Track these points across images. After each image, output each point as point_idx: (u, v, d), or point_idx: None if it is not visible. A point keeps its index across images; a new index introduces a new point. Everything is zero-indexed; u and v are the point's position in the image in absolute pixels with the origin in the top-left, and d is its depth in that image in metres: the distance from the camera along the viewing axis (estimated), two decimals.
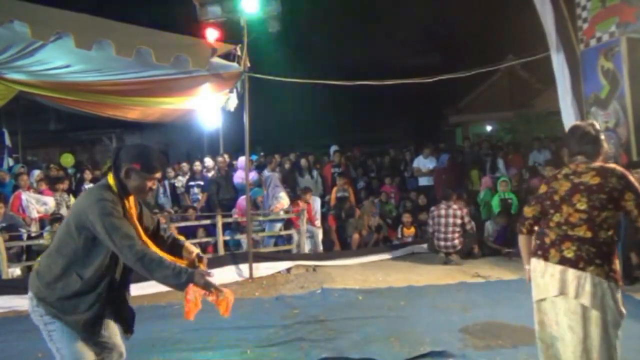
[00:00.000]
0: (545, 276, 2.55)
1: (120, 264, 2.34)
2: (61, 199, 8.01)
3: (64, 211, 7.86)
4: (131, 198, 2.36)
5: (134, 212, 2.35)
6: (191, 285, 2.23)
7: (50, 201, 7.64)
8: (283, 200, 7.74)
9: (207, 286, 2.23)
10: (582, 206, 2.46)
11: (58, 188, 8.07)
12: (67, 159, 11.31)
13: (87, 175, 9.12)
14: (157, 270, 2.15)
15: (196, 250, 2.52)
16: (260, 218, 7.90)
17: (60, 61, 5.98)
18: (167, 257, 2.26)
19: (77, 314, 2.26)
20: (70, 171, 10.23)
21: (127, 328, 2.52)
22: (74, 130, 15.69)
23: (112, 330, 2.46)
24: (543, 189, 2.71)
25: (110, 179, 2.30)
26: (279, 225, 7.81)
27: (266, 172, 8.56)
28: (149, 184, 2.32)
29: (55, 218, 7.16)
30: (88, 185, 8.86)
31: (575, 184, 2.52)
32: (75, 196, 8.44)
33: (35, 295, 2.29)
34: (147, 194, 2.39)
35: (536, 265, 2.61)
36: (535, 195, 2.77)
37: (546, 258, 2.55)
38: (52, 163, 10.81)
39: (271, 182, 8.00)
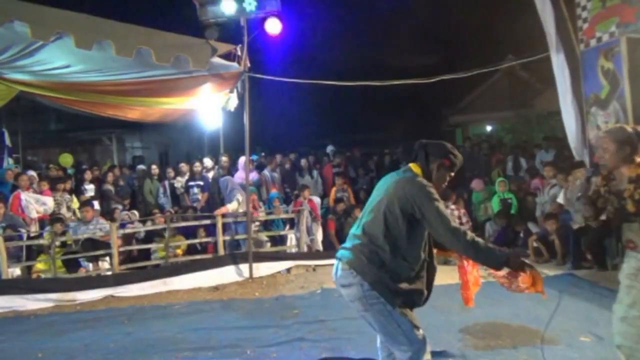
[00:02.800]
0: None
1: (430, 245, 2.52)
2: (61, 199, 8.00)
3: (64, 211, 7.87)
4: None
5: None
6: (469, 262, 2.61)
7: (49, 201, 7.64)
8: (232, 205, 7.64)
9: (522, 266, 2.38)
10: None
11: (58, 188, 8.07)
12: (66, 159, 11.29)
13: (87, 175, 9.11)
14: (481, 251, 2.32)
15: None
16: (261, 218, 7.90)
17: (61, 61, 5.98)
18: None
19: (405, 290, 2.40)
20: (70, 171, 10.23)
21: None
22: (74, 130, 15.66)
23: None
24: None
25: (417, 169, 2.51)
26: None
27: (221, 182, 8.34)
28: (447, 179, 2.59)
29: (55, 218, 7.17)
30: (88, 186, 8.88)
31: None
32: (76, 196, 8.44)
33: (369, 281, 2.38)
34: (440, 188, 2.57)
35: None
36: None
37: None
38: (52, 163, 10.80)
39: (227, 184, 7.90)
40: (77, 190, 8.75)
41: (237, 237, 7.52)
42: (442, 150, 2.57)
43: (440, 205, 2.35)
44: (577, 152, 7.43)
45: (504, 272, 2.47)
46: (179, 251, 7.49)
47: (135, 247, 7.38)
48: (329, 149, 10.69)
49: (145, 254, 7.45)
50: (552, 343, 3.83)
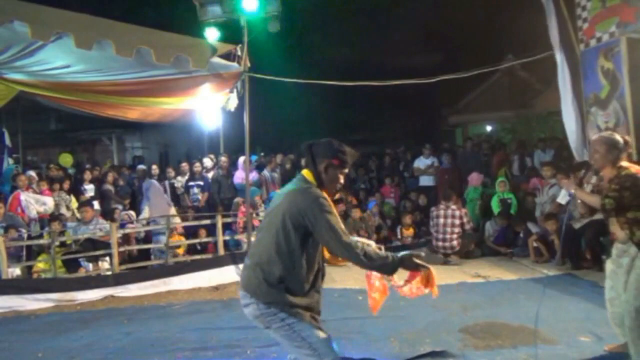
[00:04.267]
0: None
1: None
2: (60, 199, 8.01)
3: (64, 211, 7.87)
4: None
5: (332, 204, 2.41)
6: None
7: (49, 201, 7.64)
8: (146, 213, 7.64)
9: (417, 267, 2.41)
10: None
11: (58, 188, 8.07)
12: (66, 159, 11.30)
13: (87, 175, 9.11)
14: (374, 261, 2.30)
15: (373, 243, 2.64)
16: (261, 217, 7.90)
17: (61, 61, 5.98)
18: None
19: (304, 305, 2.34)
20: (70, 171, 10.23)
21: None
22: (74, 130, 15.67)
23: None
24: None
25: (309, 176, 2.40)
26: None
27: (144, 184, 8.33)
28: (341, 178, 2.47)
29: (54, 218, 7.17)
30: (88, 186, 8.88)
31: None
32: (76, 196, 8.44)
33: (263, 300, 2.33)
34: (336, 188, 2.51)
35: None
36: None
37: None
38: (52, 163, 10.80)
39: (150, 187, 7.84)
40: (77, 190, 8.75)
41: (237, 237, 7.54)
42: (328, 149, 2.43)
43: (333, 218, 2.26)
44: (578, 152, 7.43)
45: (402, 281, 2.53)
46: (179, 251, 7.49)
47: (135, 247, 7.39)
48: None
49: (145, 254, 7.46)
50: (551, 343, 3.83)
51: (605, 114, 6.93)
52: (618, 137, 3.16)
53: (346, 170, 2.49)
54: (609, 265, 3.31)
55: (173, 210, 7.98)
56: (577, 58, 7.28)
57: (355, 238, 2.46)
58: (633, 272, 3.04)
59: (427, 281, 2.46)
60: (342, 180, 2.48)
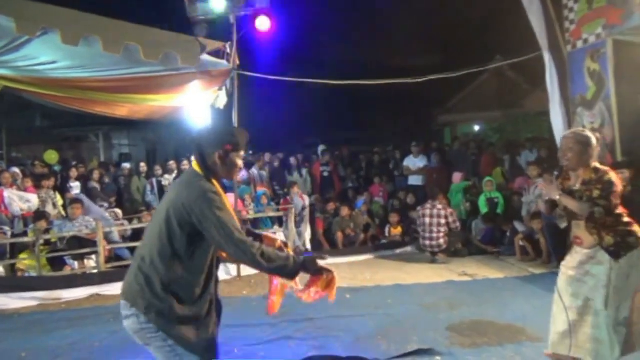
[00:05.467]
0: None
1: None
2: (46, 196, 7.91)
3: (49, 209, 7.77)
4: (217, 183, 2.21)
5: (226, 199, 2.18)
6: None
7: (33, 199, 7.54)
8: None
9: (319, 271, 2.21)
10: None
11: (43, 185, 7.97)
12: (51, 156, 11.15)
13: (73, 172, 9.01)
14: (272, 262, 2.07)
15: (278, 239, 2.50)
16: (250, 216, 7.88)
17: (47, 57, 5.90)
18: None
19: (191, 315, 2.10)
20: (55, 168, 10.10)
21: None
22: (60, 127, 15.46)
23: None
24: None
25: (197, 167, 2.17)
26: None
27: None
28: (240, 162, 2.26)
29: (39, 215, 7.08)
30: (74, 183, 8.78)
31: None
32: (61, 194, 8.34)
33: (145, 312, 2.05)
34: (238, 173, 2.32)
35: None
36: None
37: None
38: (38, 160, 10.66)
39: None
40: (63, 188, 8.65)
41: None
42: (217, 137, 2.20)
43: (224, 214, 2.02)
44: None
45: (300, 286, 2.33)
46: None
47: (122, 245, 7.32)
48: (321, 148, 10.69)
49: (133, 253, 7.39)
50: (537, 341, 3.87)
51: (591, 114, 7.02)
52: (591, 135, 2.96)
53: (242, 153, 2.26)
54: (568, 271, 3.01)
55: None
56: (564, 59, 7.37)
57: (259, 232, 2.29)
58: (611, 287, 2.80)
59: (327, 285, 2.29)
60: (241, 164, 2.26)
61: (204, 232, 2.03)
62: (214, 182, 2.17)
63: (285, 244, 2.48)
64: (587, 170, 2.90)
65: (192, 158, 2.24)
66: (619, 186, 2.85)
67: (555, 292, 3.09)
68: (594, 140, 2.91)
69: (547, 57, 7.46)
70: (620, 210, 2.87)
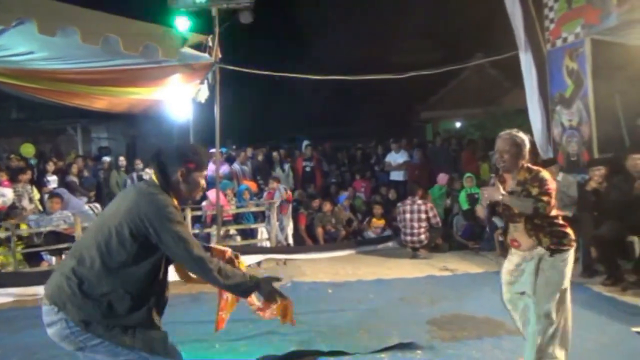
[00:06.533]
0: None
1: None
2: (23, 190, 7.74)
3: (25, 203, 7.61)
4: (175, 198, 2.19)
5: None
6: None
7: (8, 193, 7.38)
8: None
9: (272, 295, 2.16)
10: None
11: (19, 179, 7.79)
12: (28, 149, 10.88)
13: (50, 166, 8.83)
14: (228, 279, 2.08)
15: (229, 250, 2.46)
16: (232, 211, 7.84)
17: (23, 47, 5.75)
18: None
19: (131, 324, 2.04)
20: (32, 162, 9.88)
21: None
22: (36, 120, 15.10)
23: None
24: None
25: (156, 180, 2.13)
26: None
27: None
28: (202, 181, 2.23)
29: (10, 210, 6.92)
30: (51, 177, 8.60)
31: None
32: (38, 188, 8.17)
33: (74, 318, 1.98)
34: (200, 192, 2.30)
35: None
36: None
37: None
38: (13, 153, 10.42)
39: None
40: (40, 182, 8.47)
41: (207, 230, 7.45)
42: (180, 154, 2.17)
43: (182, 228, 2.00)
44: (542, 149, 7.65)
45: (258, 302, 2.32)
46: None
47: None
48: (305, 143, 10.67)
49: None
50: (515, 334, 3.93)
51: (570, 112, 7.15)
52: (525, 136, 3.00)
53: (205, 173, 2.26)
54: (504, 276, 3.15)
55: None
56: (544, 57, 7.48)
57: (208, 245, 2.28)
58: (541, 274, 2.88)
59: (285, 313, 2.27)
60: (203, 184, 2.25)
61: (160, 245, 1.99)
62: (172, 196, 2.14)
63: (237, 256, 2.45)
64: (521, 170, 2.94)
65: (151, 170, 2.18)
66: (553, 183, 2.89)
67: (505, 294, 3.20)
68: (527, 142, 2.97)
69: (524, 56, 7.56)
70: (555, 211, 2.90)
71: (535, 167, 2.95)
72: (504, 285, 3.15)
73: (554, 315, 2.84)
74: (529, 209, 2.81)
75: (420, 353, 3.69)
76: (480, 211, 3.28)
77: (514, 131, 3.03)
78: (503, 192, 2.91)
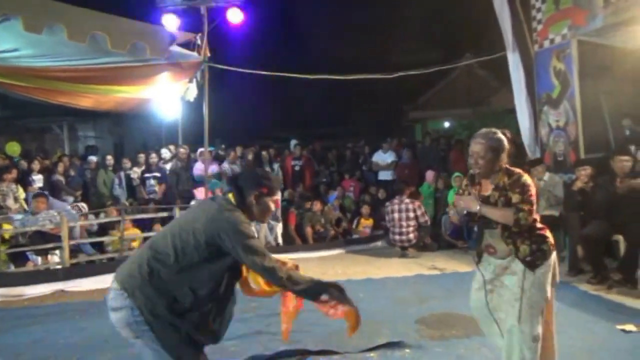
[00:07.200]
0: None
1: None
2: (8, 189, 7.61)
3: (10, 203, 7.50)
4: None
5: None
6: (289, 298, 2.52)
7: None
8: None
9: (340, 300, 2.32)
10: None
11: (5, 178, 7.67)
12: (13, 148, 10.72)
13: (36, 165, 8.70)
14: (299, 285, 2.27)
15: (290, 261, 2.60)
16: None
17: (8, 44, 5.69)
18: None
19: (183, 325, 2.17)
20: (16, 160, 9.73)
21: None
22: (22, 118, 14.87)
23: None
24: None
25: (233, 199, 2.35)
26: None
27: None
28: (272, 205, 2.46)
29: None
30: (36, 176, 8.48)
31: None
32: (23, 187, 8.05)
33: (140, 307, 2.12)
34: (270, 215, 2.53)
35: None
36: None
37: None
38: None
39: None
40: (25, 181, 8.34)
41: None
42: (254, 180, 2.41)
43: (255, 242, 2.21)
44: (530, 149, 7.72)
45: (326, 303, 2.38)
46: (134, 244, 7.30)
47: (87, 240, 7.14)
48: (293, 143, 10.65)
49: (99, 248, 7.22)
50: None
51: (557, 113, 7.22)
52: (502, 136, 2.67)
53: (276, 197, 2.49)
54: (483, 287, 2.76)
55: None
56: (532, 58, 7.55)
57: (276, 257, 2.40)
58: (524, 298, 2.56)
59: (351, 320, 2.36)
60: (273, 208, 2.47)
61: (236, 256, 2.20)
62: (246, 214, 2.36)
63: (297, 266, 2.59)
64: (499, 173, 2.65)
65: (228, 191, 2.44)
66: (534, 188, 2.62)
67: (475, 311, 2.89)
68: (505, 143, 2.65)
69: (513, 57, 7.62)
70: (534, 215, 2.60)
71: (515, 170, 2.65)
72: (477, 293, 2.85)
73: (540, 332, 2.59)
74: (509, 219, 2.54)
75: (409, 352, 3.70)
76: (455, 219, 2.71)
77: (491, 132, 2.68)
78: (479, 203, 2.63)
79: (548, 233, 2.66)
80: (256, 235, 2.31)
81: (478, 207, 2.62)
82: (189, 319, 2.16)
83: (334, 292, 2.32)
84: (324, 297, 2.32)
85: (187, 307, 2.15)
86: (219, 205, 2.29)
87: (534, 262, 2.57)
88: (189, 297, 2.15)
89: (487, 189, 2.70)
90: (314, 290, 2.31)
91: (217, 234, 2.18)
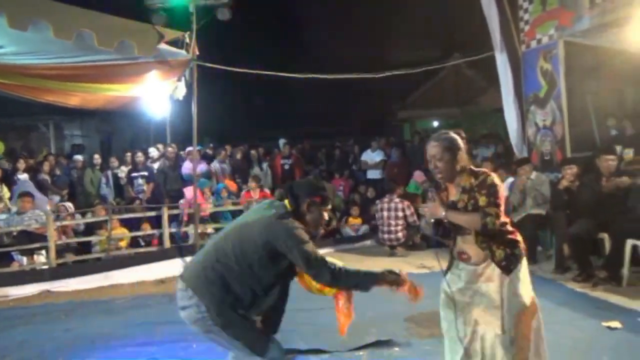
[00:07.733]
0: None
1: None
2: None
3: None
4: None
5: None
6: (343, 293, 2.67)
7: None
8: None
9: (398, 281, 2.53)
10: None
11: None
12: None
13: (21, 164, 8.57)
14: (352, 278, 2.42)
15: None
16: (210, 210, 7.77)
17: None
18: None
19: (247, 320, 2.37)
20: (1, 159, 9.58)
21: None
22: (6, 116, 14.63)
23: None
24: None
25: (289, 206, 2.45)
26: None
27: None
28: (326, 215, 2.56)
29: None
30: (22, 176, 8.36)
31: None
32: (8, 186, 7.93)
33: (206, 303, 2.30)
34: (322, 225, 2.65)
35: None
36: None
37: None
38: None
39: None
40: (9, 180, 8.22)
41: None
42: (309, 188, 2.51)
43: (309, 247, 2.32)
44: (517, 149, 7.79)
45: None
46: (122, 244, 7.23)
47: (73, 239, 7.06)
48: (282, 142, 10.62)
49: (86, 248, 7.15)
50: None
51: (544, 112, 7.30)
52: (456, 136, 2.54)
53: (329, 207, 2.57)
54: (455, 295, 2.70)
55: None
56: (519, 58, 7.61)
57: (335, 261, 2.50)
58: (506, 301, 2.46)
59: (415, 294, 2.69)
60: (326, 217, 2.57)
61: (292, 259, 2.33)
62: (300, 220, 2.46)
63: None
64: (464, 175, 2.50)
65: (284, 197, 2.51)
66: (502, 188, 2.49)
67: (443, 322, 2.80)
68: (460, 142, 2.51)
69: (500, 57, 7.68)
70: (504, 217, 2.47)
71: (481, 171, 2.51)
72: (447, 301, 2.79)
73: (528, 340, 2.50)
74: (476, 224, 2.42)
75: (398, 350, 3.72)
76: (426, 228, 2.52)
77: (443, 133, 2.57)
78: (444, 209, 2.52)
79: (519, 237, 2.55)
80: (308, 238, 2.40)
81: (444, 213, 2.53)
82: (250, 313, 2.35)
83: (390, 277, 2.49)
84: (376, 287, 2.48)
85: (248, 304, 2.32)
86: (277, 212, 2.40)
87: (508, 266, 2.47)
88: (249, 295, 2.32)
89: (454, 193, 2.55)
90: (365, 285, 2.46)
91: (274, 239, 2.31)
